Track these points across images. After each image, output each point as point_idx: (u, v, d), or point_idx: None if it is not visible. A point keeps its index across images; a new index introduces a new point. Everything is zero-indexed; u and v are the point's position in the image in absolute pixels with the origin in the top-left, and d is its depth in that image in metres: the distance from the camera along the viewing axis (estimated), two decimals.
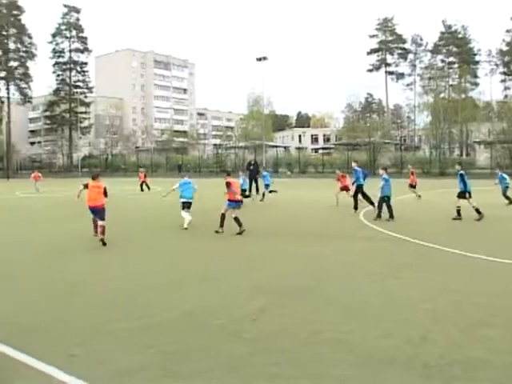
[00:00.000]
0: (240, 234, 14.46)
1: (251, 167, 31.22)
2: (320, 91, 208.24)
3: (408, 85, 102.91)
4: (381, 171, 18.35)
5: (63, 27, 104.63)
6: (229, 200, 14.88)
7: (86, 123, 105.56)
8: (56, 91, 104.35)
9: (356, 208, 19.72)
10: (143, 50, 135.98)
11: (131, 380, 5.01)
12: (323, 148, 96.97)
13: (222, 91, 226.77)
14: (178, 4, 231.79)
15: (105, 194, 13.77)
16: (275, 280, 8.98)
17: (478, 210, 17.15)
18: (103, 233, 13.20)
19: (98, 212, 13.57)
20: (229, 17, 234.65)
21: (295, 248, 12.41)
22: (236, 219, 14.67)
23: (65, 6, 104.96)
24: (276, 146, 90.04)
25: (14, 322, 6.76)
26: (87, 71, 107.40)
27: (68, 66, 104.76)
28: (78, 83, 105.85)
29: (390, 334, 6.11)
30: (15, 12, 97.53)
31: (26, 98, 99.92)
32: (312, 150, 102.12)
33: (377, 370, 5.13)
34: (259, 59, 71.16)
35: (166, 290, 8.33)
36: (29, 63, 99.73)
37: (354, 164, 21.54)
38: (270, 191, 26.59)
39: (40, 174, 39.30)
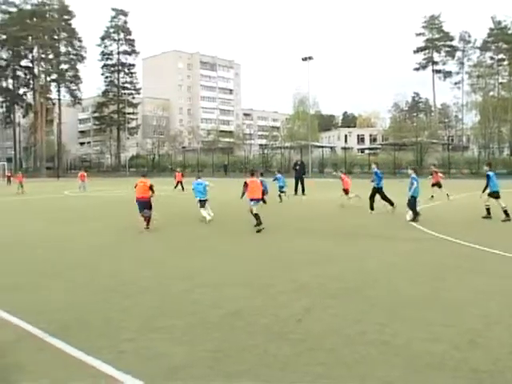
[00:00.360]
0: (258, 231, 15.16)
1: (297, 167, 31.35)
2: (366, 91, 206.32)
3: (456, 83, 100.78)
4: (410, 171, 18.24)
5: (111, 30, 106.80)
6: (250, 199, 15.95)
7: (133, 124, 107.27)
8: (105, 93, 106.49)
9: (372, 209, 19.89)
10: (189, 52, 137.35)
11: (179, 377, 5.09)
12: (369, 148, 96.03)
13: (267, 91, 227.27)
14: (223, 5, 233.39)
15: (150, 188, 15.84)
16: (319, 280, 8.96)
17: (506, 212, 17.12)
18: (148, 222, 15.41)
19: (144, 203, 15.87)
20: (274, 17, 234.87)
21: (337, 248, 12.36)
22: (256, 216, 15.54)
23: (113, 9, 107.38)
24: (322, 147, 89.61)
25: (63, 317, 6.96)
26: (135, 73, 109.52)
27: (116, 67, 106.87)
28: (125, 85, 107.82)
29: (438, 337, 6.02)
30: (66, 17, 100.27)
31: (76, 100, 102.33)
32: (358, 150, 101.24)
33: (423, 374, 5.07)
34: (305, 59, 70.94)
35: (212, 289, 8.41)
36: (79, 66, 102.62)
37: (373, 166, 21.52)
38: (282, 191, 26.68)
39: (85, 174, 40.05)
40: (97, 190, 39.18)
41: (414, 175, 17.78)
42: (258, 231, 15.23)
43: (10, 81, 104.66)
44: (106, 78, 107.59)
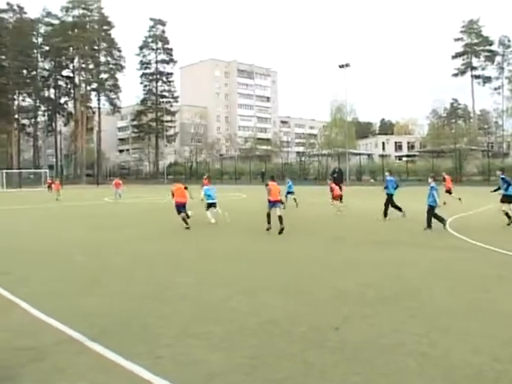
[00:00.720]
0: (280, 232, 16.24)
1: (335, 175, 31.39)
2: (404, 97, 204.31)
3: (495, 89, 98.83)
4: (429, 179, 17.93)
5: (150, 40, 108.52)
6: (268, 201, 17.33)
7: (171, 131, 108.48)
8: (143, 101, 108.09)
9: (385, 215, 20.41)
10: (227, 60, 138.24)
11: (216, 383, 5.11)
12: (407, 155, 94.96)
13: (304, 99, 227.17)
14: (260, 13, 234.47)
15: (185, 189, 18.98)
16: (356, 288, 8.89)
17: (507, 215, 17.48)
18: (186, 220, 18.36)
19: (182, 206, 18.75)
20: (311, 24, 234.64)
21: (373, 256, 12.25)
22: (279, 218, 16.63)
23: (151, 19, 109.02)
24: (359, 154, 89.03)
25: (102, 322, 7.08)
26: (173, 81, 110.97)
27: (154, 76, 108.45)
28: (164, 93, 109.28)
29: (477, 349, 5.90)
30: (106, 27, 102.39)
31: (115, 108, 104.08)
32: (396, 157, 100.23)
33: None
34: (342, 66, 70.68)
35: (249, 296, 8.43)
36: (118, 75, 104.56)
37: (386, 173, 21.96)
38: (294, 199, 27.78)
39: (121, 182, 40.48)
40: (135, 196, 39.68)
41: (433, 184, 17.33)
42: (280, 232, 16.23)
43: (52, 90, 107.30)
44: (145, 86, 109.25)
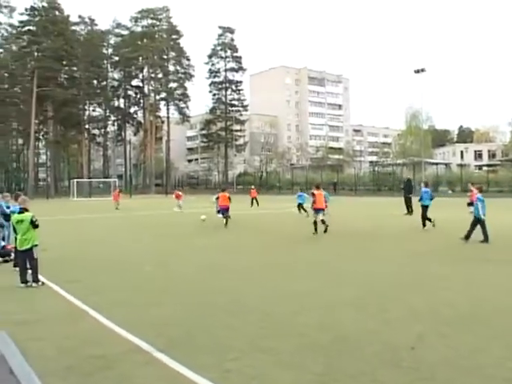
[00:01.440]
0: (325, 231, 19.87)
1: (403, 186, 31.09)
2: (484, 103, 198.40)
3: None
4: (475, 190, 17.50)
5: (218, 48, 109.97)
6: (313, 208, 20.34)
7: (241, 141, 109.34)
8: (212, 110, 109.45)
9: (424, 225, 21.30)
10: (297, 67, 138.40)
11: None
12: (488, 165, 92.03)
13: (377, 106, 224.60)
14: (331, 18, 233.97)
15: (229, 199, 24.37)
16: (432, 306, 8.67)
17: None
18: (227, 222, 23.56)
19: (225, 210, 24.29)
20: (384, 28, 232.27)
21: (447, 270, 11.93)
22: (322, 221, 20.03)
23: (220, 27, 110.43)
24: (436, 163, 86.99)
25: (170, 332, 7.23)
26: (242, 90, 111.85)
27: (223, 85, 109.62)
28: (233, 102, 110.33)
29: None
30: (174, 36, 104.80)
31: (184, 117, 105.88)
32: (475, 166, 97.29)
33: None
34: (417, 71, 69.34)
35: (321, 311, 8.39)
36: (187, 84, 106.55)
37: (422, 184, 23.33)
38: (304, 209, 29.74)
39: (181, 193, 41.11)
40: (204, 206, 40.19)
41: (479, 195, 16.90)
42: (325, 231, 19.92)
43: (122, 100, 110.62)
44: (214, 95, 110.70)
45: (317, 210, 20.13)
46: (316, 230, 19.90)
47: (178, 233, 22.19)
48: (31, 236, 11.12)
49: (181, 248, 17.07)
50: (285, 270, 12.59)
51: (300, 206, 30.97)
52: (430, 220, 21.41)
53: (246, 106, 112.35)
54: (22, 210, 11.37)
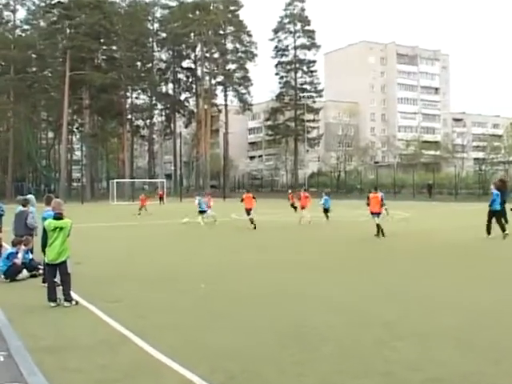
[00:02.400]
0: (376, 236, 23.74)
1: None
2: None
3: None
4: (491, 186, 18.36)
5: (286, 20, 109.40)
6: (370, 212, 24.62)
7: (314, 133, 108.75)
8: (279, 96, 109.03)
9: (489, 233, 22.76)
10: (382, 42, 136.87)
11: None
12: None
13: (485, 89, 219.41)
14: None
15: (254, 199, 30.04)
16: None
17: None
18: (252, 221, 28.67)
19: (250, 210, 29.75)
20: None
21: None
22: (377, 225, 23.92)
23: None
24: None
25: (228, 365, 7.22)
26: (315, 71, 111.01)
27: (293, 65, 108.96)
28: (304, 86, 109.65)
29: None
30: (233, 8, 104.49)
31: (245, 106, 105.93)
32: None
33: None
34: None
35: (412, 343, 8.22)
36: (248, 65, 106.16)
37: (492, 187, 24.02)
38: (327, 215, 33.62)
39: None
40: (269, 213, 40.25)
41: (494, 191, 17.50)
42: (378, 235, 23.68)
43: (171, 85, 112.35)
44: (281, 78, 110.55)
45: (372, 214, 24.59)
46: (378, 232, 23.92)
47: (240, 244, 22.28)
48: (67, 247, 11.35)
49: (242, 262, 17.13)
50: (365, 293, 12.43)
51: (326, 211, 33.74)
52: (503, 230, 22.66)
53: (321, 90, 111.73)
54: (59, 216, 11.50)
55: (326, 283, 13.58)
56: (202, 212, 33.55)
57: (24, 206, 15.46)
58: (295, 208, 40.42)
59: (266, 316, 10.04)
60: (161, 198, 64.99)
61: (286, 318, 9.88)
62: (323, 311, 10.46)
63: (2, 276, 14.46)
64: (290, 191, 44.67)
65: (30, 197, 16.68)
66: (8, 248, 15.81)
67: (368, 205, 24.79)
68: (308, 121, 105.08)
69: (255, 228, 28.88)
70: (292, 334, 8.72)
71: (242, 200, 30.77)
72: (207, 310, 10.57)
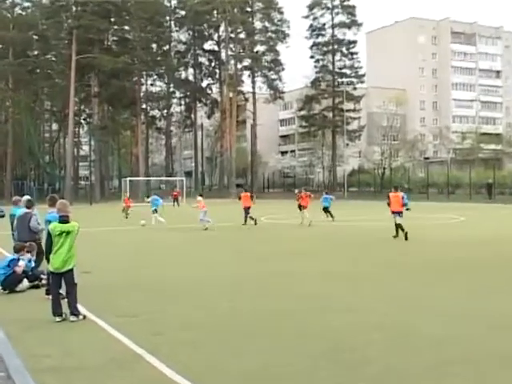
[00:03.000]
0: (406, 238, 25.33)
1: None
2: None
3: None
4: None
5: None
6: (392, 211, 26.70)
7: (354, 125, 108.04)
8: (315, 82, 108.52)
9: None
10: (434, 19, 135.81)
11: None
12: None
13: None
14: None
15: (251, 198, 34.89)
16: None
17: None
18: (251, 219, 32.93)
19: (248, 208, 34.63)
20: None
21: None
22: (399, 225, 26.03)
23: None
24: None
25: None
26: (356, 53, 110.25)
27: (330, 47, 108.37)
28: (343, 70, 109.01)
29: None
30: None
31: (276, 93, 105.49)
32: None
33: None
34: None
35: (466, 370, 8.12)
36: (279, 47, 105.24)
37: None
38: (331, 214, 37.80)
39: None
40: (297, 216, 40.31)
41: None
42: (406, 238, 25.30)
43: (191, 70, 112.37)
44: (317, 61, 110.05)
45: (393, 213, 26.73)
46: (397, 233, 26.22)
47: (269, 251, 22.27)
48: (73, 253, 11.36)
49: (272, 272, 17.10)
50: (408, 304, 12.43)
51: (326, 209, 38.26)
52: None
53: (362, 75, 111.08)
54: (65, 219, 11.48)
55: (363, 295, 13.58)
56: (155, 211, 37.25)
57: (28, 207, 15.50)
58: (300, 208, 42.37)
59: (296, 333, 10.05)
60: (175, 199, 65.06)
61: (319, 335, 9.88)
62: (361, 327, 10.43)
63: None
64: (297, 190, 46.00)
65: (27, 198, 16.81)
66: (8, 255, 15.94)
67: (389, 205, 27.04)
68: (348, 110, 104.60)
69: (256, 224, 34.36)
70: (327, 354, 8.71)
71: (240, 198, 36.95)
72: (229, 327, 10.62)
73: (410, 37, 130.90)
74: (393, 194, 27.15)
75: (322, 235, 29.70)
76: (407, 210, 26.93)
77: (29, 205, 15.60)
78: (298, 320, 11.10)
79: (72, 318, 11.08)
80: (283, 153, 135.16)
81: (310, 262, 19.45)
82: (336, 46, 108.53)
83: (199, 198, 33.63)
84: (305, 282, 15.52)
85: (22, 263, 14.69)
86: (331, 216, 37.72)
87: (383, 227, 29.87)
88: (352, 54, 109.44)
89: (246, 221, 34.82)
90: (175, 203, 63.72)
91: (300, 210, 36.17)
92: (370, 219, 39.61)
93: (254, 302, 12.97)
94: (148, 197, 36.63)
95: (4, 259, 15.28)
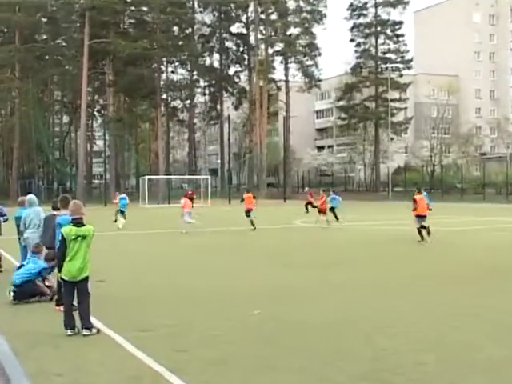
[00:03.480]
0: (428, 233, 27.32)
1: None
2: None
3: None
4: None
5: None
6: (416, 215, 27.83)
7: (400, 116, 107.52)
8: (355, 69, 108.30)
9: None
10: None
11: None
12: None
13: None
14: None
15: (254, 198, 36.62)
16: None
17: None
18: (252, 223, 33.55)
19: (250, 211, 35.22)
20: None
21: None
22: (423, 227, 27.51)
23: None
24: None
25: None
26: (402, 35, 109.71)
27: (373, 28, 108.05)
28: (388, 55, 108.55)
29: None
30: None
31: (311, 81, 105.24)
32: None
33: None
34: None
35: None
36: (315, 29, 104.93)
37: None
38: (336, 216, 39.47)
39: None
40: (346, 218, 40.32)
41: None
42: (428, 233, 27.44)
43: (216, 56, 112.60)
44: (358, 45, 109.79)
45: (419, 217, 27.81)
46: (422, 237, 27.40)
47: (310, 260, 22.27)
48: (88, 260, 11.39)
49: (309, 283, 17.12)
50: (464, 320, 12.35)
51: (332, 210, 39.39)
52: None
53: (409, 61, 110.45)
54: (79, 222, 11.48)
55: (409, 308, 13.50)
56: (121, 212, 39.58)
57: (55, 208, 15.12)
58: (310, 208, 46.65)
59: (334, 349, 10.01)
60: (190, 199, 64.53)
61: (359, 352, 9.84)
62: (409, 345, 10.36)
63: (11, 294, 14.25)
64: (307, 189, 47.66)
65: (31, 197, 16.90)
66: (14, 262, 15.96)
67: (414, 210, 28.00)
68: (392, 100, 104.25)
69: (254, 229, 34.39)
70: (367, 375, 8.66)
71: (243, 200, 37.23)
72: (262, 343, 10.58)
73: (463, 16, 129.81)
74: (418, 196, 28.50)
75: (359, 240, 29.64)
76: (430, 210, 29.51)
77: (57, 205, 15.27)
78: (335, 334, 11.08)
79: (85, 332, 11.10)
80: (320, 148, 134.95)
81: (345, 271, 19.47)
82: (379, 28, 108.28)
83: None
84: (341, 292, 15.48)
85: (51, 281, 14.50)
86: (336, 218, 39.32)
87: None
88: (397, 36, 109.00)
89: (253, 224, 35.01)
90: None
91: (319, 213, 37.61)
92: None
93: (286, 313, 12.92)
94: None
95: (36, 263, 14.76)
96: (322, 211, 37.23)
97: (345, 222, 38.49)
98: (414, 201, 28.01)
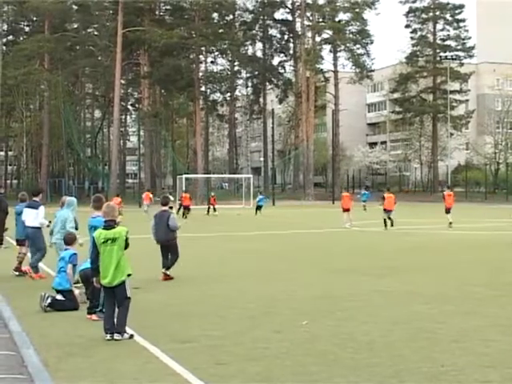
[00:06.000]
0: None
1: None
2: None
3: None
4: None
5: None
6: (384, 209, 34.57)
7: (461, 110, 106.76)
8: (411, 58, 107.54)
9: None
10: None
11: None
12: None
13: None
14: None
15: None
16: None
17: None
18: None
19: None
20: None
21: None
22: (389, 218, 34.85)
23: None
24: None
25: None
26: (463, 20, 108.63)
27: (431, 13, 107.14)
28: (447, 42, 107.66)
29: None
30: None
31: (363, 72, 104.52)
32: None
33: None
34: None
35: None
36: (367, 14, 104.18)
37: None
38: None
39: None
40: (402, 220, 40.23)
41: None
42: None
43: (259, 45, 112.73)
44: (414, 32, 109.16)
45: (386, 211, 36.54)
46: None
47: (363, 266, 22.22)
48: (124, 263, 11.51)
49: (361, 291, 17.01)
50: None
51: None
52: None
53: (471, 48, 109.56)
54: (111, 224, 11.63)
55: (476, 323, 13.21)
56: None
57: (165, 204, 17.37)
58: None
59: (391, 368, 9.85)
60: (211, 204, 63.71)
61: (421, 372, 9.67)
62: (476, 362, 10.19)
63: (47, 300, 14.12)
64: (345, 193, 48.74)
65: (70, 199, 17.10)
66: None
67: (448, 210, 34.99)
68: (452, 92, 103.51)
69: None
70: None
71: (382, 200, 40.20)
72: (312, 357, 10.47)
73: None
74: (447, 192, 37.74)
75: (426, 246, 29.51)
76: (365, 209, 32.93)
77: (165, 202, 16.41)
78: (392, 351, 10.90)
79: (117, 337, 11.26)
80: (372, 145, 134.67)
81: (397, 279, 19.35)
82: (438, 12, 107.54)
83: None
84: (396, 304, 15.32)
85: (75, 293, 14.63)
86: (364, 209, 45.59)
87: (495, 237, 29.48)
88: (458, 21, 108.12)
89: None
90: (209, 209, 60.98)
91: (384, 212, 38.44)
92: (478, 227, 39.22)
93: (343, 326, 12.81)
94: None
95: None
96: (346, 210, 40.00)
97: (403, 226, 38.45)
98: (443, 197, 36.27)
